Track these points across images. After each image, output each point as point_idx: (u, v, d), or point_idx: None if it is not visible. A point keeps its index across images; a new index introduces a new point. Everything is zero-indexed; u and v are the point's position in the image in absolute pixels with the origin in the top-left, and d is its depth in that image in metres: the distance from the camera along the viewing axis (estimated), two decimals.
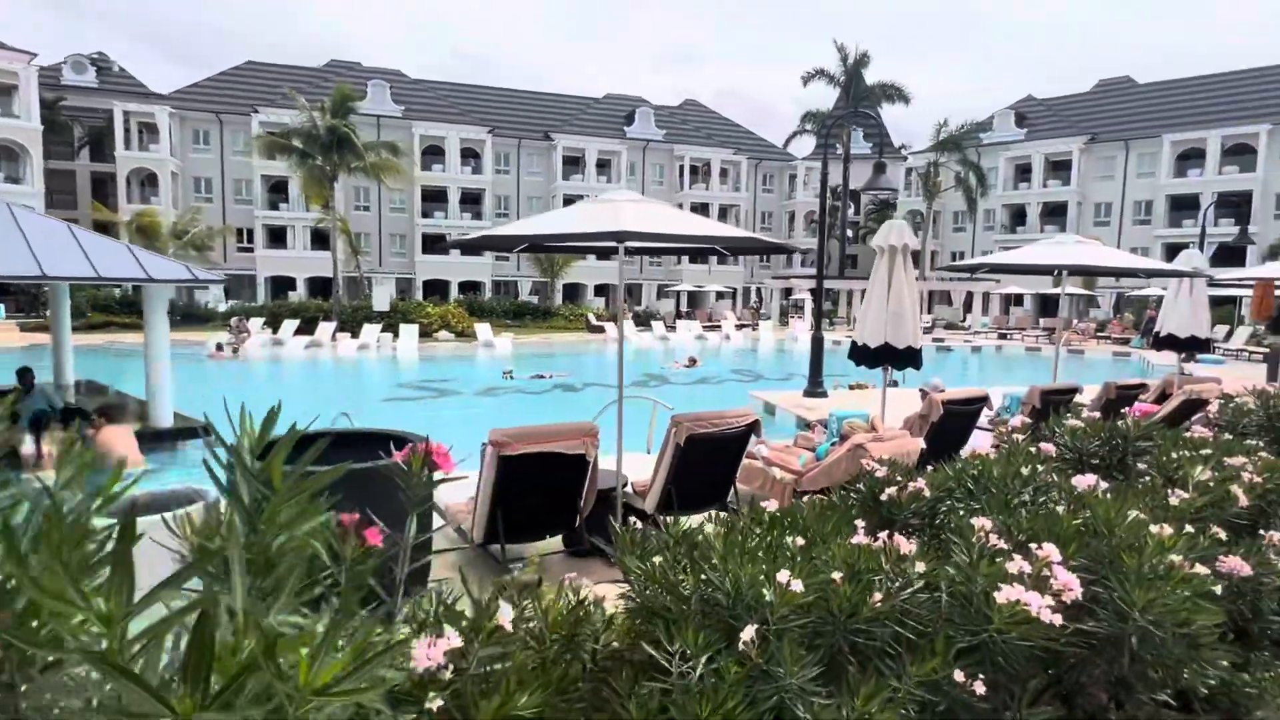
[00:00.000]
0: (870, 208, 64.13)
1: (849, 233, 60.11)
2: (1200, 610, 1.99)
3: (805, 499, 3.02)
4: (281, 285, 44.55)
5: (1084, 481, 2.89)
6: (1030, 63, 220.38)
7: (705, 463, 5.18)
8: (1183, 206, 45.17)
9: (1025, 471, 2.99)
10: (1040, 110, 54.01)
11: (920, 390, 7.41)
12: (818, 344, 13.77)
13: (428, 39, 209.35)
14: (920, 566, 1.93)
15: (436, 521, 5.52)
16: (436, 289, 46.63)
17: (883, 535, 2.12)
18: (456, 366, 24.23)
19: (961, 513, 2.98)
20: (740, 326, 38.09)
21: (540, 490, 4.55)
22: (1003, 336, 36.08)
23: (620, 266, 5.05)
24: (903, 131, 76.81)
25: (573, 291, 50.80)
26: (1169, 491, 2.99)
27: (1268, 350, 18.15)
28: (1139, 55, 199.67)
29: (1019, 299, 47.27)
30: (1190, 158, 45.85)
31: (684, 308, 50.03)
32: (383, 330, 27.66)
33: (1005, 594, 1.71)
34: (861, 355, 6.37)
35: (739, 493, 6.78)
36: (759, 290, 54.47)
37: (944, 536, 2.65)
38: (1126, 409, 6.63)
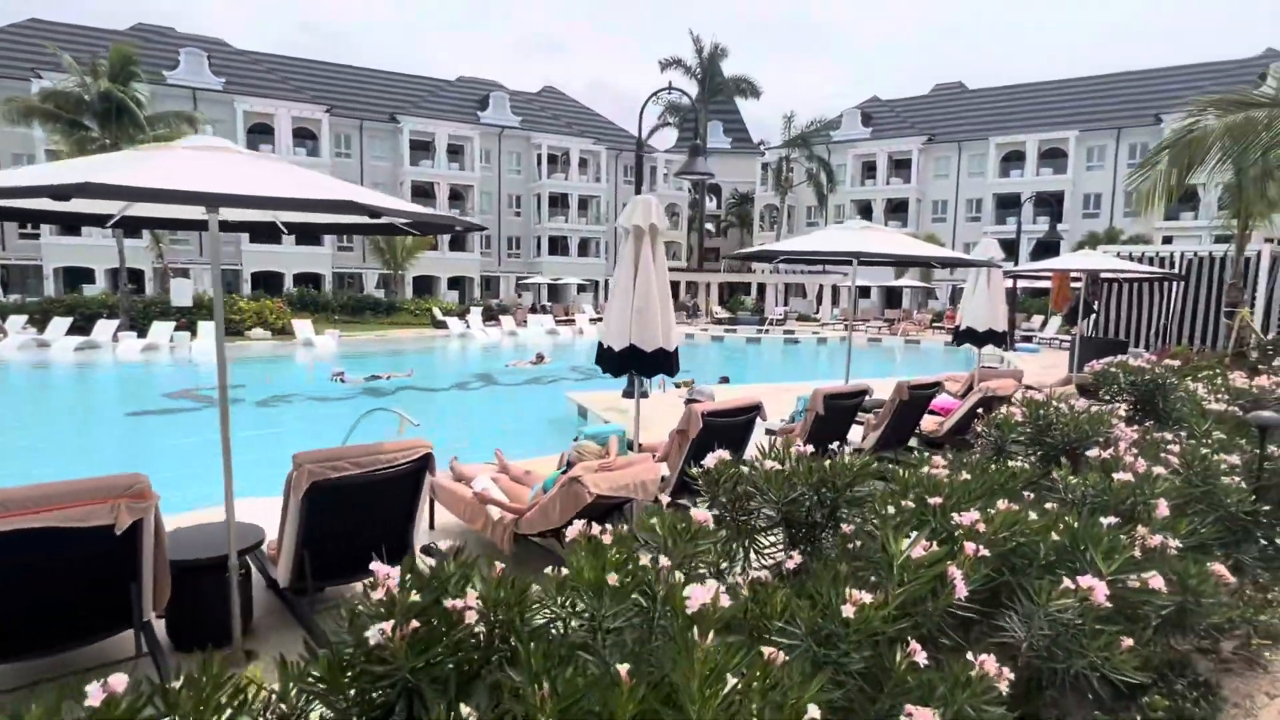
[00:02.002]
0: (731, 200, 65.19)
1: (709, 226, 60.71)
2: None
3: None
4: (77, 277, 38.91)
5: (701, 594, 1.77)
6: (882, 66, 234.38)
7: (353, 516, 3.83)
8: (1008, 205, 48.54)
9: (617, 579, 1.84)
10: (884, 111, 56.55)
11: (686, 399, 6.43)
12: None
13: (272, 10, 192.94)
14: None
15: None
16: (268, 282, 42.41)
17: None
18: (263, 369, 21.53)
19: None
20: (595, 320, 37.02)
21: (48, 581, 3.03)
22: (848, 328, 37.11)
23: (214, 242, 3.57)
24: (767, 128, 78.73)
25: (425, 285, 47.95)
26: (850, 593, 1.94)
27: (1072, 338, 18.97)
28: (976, 60, 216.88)
29: (866, 291, 49.25)
30: (1013, 159, 49.38)
31: (544, 301, 48.41)
32: (182, 329, 24.31)
33: None
34: (606, 360, 5.24)
35: (452, 535, 5.48)
36: None
37: None
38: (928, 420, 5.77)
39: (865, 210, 54.49)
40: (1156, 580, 2.42)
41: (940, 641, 2.18)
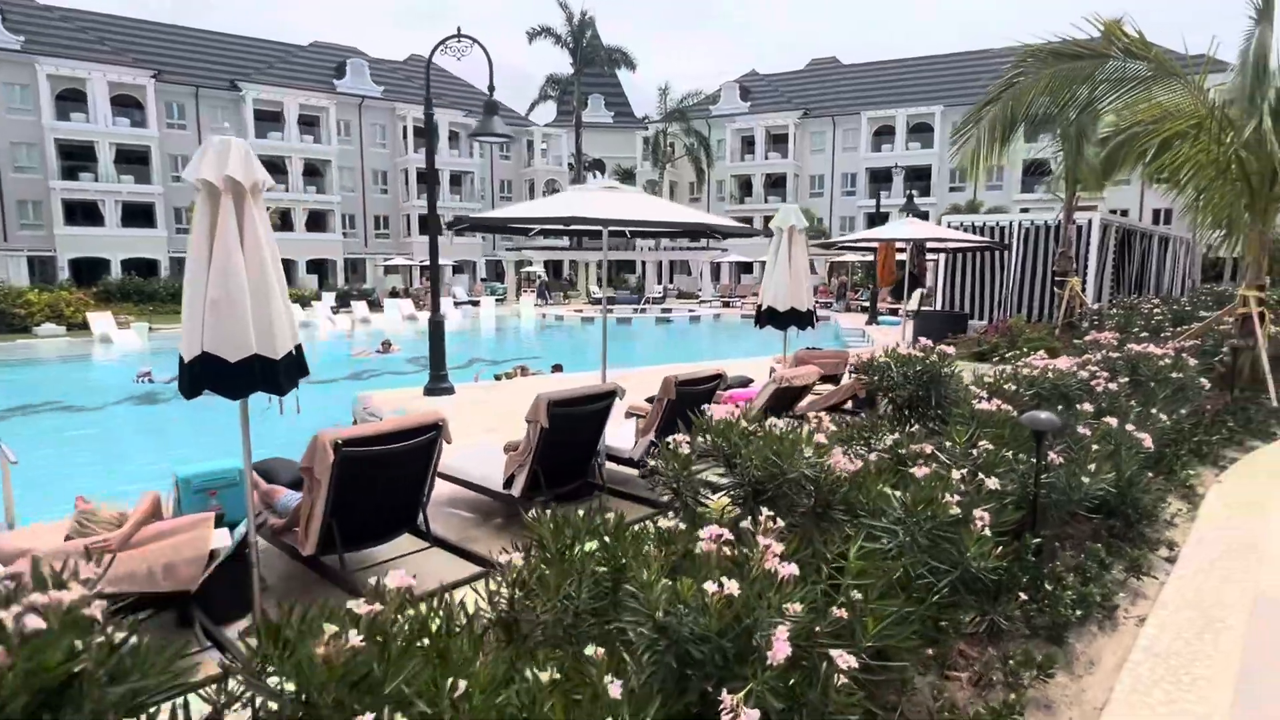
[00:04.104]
0: (614, 177, 63.69)
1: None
2: None
3: None
4: None
5: None
6: (770, 41, 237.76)
7: None
8: (880, 179, 49.38)
9: None
10: (762, 85, 56.41)
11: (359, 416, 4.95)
12: (436, 329, 11.18)
13: None
14: None
15: None
16: (91, 269, 37.57)
17: None
18: (30, 373, 18.46)
19: None
20: (461, 304, 34.88)
21: None
22: (726, 305, 36.66)
23: None
24: (653, 103, 77.29)
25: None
26: None
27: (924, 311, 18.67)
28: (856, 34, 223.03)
29: (749, 266, 49.12)
30: (884, 134, 50.25)
31: (415, 284, 45.54)
32: None
33: None
34: (180, 375, 3.66)
35: None
36: (498, 264, 51.43)
37: None
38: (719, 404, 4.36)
39: (745, 185, 54.38)
40: None
41: None
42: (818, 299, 37.14)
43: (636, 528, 2.56)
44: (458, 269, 49.81)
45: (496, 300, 37.85)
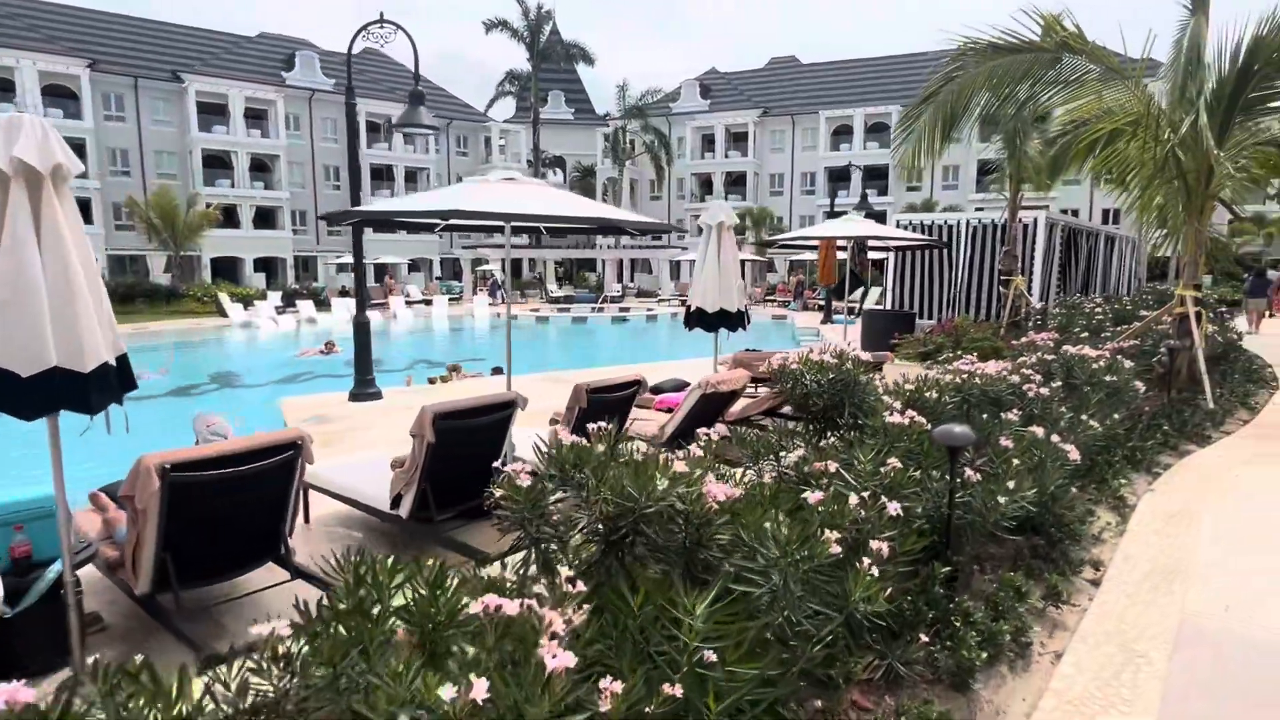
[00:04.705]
0: (575, 174, 63.02)
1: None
2: None
3: None
4: None
5: None
6: (735, 38, 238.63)
7: None
8: (838, 178, 49.59)
9: None
10: (722, 83, 56.31)
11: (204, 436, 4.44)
12: (361, 330, 10.62)
13: None
14: None
15: None
16: None
17: None
18: None
19: None
20: (414, 304, 34.03)
21: None
22: (684, 304, 36.40)
23: None
24: (614, 100, 76.81)
25: (227, 268, 42.57)
26: None
27: (878, 310, 18.51)
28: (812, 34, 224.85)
29: None
30: (842, 133, 50.50)
31: (370, 282, 44.42)
32: None
33: None
34: None
35: None
36: (455, 262, 50.48)
37: None
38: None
39: (706, 183, 54.23)
40: None
41: None
42: (778, 297, 37.14)
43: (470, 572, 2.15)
44: (413, 267, 48.79)
45: (450, 300, 37.03)
